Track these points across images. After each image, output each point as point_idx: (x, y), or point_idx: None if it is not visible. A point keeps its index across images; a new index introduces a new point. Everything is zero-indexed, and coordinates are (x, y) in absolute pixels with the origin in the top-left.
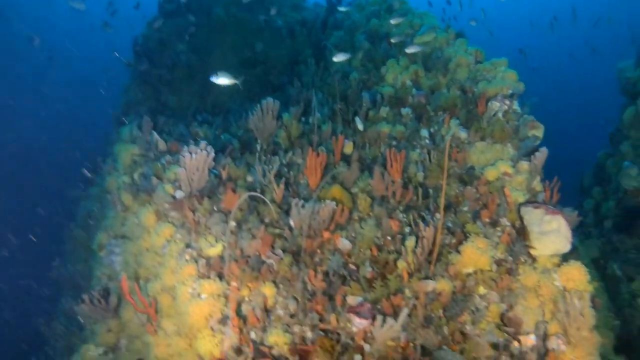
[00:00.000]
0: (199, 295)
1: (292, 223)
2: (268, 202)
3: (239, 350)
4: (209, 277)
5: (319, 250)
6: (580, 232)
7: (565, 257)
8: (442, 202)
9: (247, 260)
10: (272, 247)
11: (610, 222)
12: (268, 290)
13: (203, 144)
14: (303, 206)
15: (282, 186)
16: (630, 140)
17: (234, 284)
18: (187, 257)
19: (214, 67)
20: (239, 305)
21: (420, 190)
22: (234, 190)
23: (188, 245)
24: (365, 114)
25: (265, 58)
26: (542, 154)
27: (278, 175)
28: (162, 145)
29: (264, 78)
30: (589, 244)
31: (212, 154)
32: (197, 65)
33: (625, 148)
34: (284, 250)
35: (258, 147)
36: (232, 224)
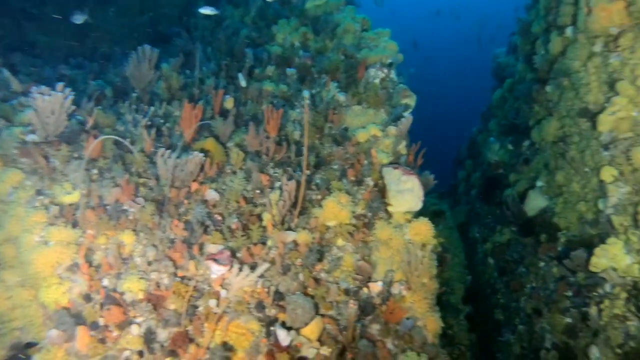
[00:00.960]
0: (46, 243)
1: (159, 173)
2: (132, 150)
3: (87, 297)
4: (59, 225)
5: (185, 201)
6: (452, 199)
7: (416, 214)
8: (305, 159)
9: (105, 208)
10: (135, 195)
11: (475, 190)
12: (127, 238)
13: (60, 85)
14: (169, 157)
15: (153, 136)
16: (496, 118)
17: (90, 231)
18: (37, 204)
19: (93, 10)
20: (92, 252)
21: (294, 148)
22: (97, 138)
23: (39, 192)
24: (248, 71)
25: (154, 5)
26: (406, 120)
27: (151, 126)
28: (16, 85)
29: (152, 27)
30: (458, 210)
31: (70, 97)
32: (73, 5)
33: (492, 125)
34: (147, 200)
35: (134, 96)
36: (94, 171)
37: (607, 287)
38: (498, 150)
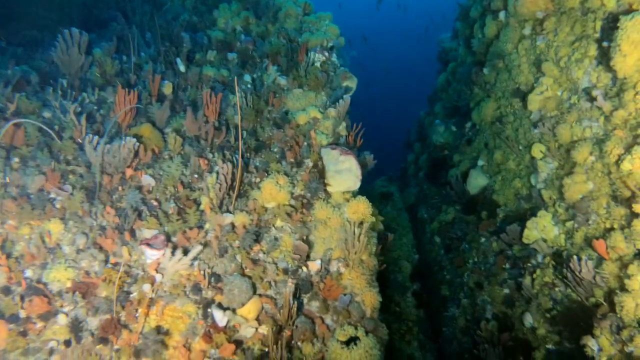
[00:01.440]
0: None
1: (91, 160)
2: (55, 137)
3: (6, 290)
4: None
5: (120, 187)
6: (402, 182)
7: (354, 194)
8: (239, 141)
9: (28, 197)
10: (62, 183)
11: (422, 172)
12: (54, 226)
13: None
14: (99, 143)
15: (84, 123)
16: (441, 101)
17: (11, 222)
18: None
19: None
20: (14, 243)
21: (234, 132)
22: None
23: None
24: (189, 56)
25: None
26: (345, 102)
27: (82, 113)
28: None
29: (87, 11)
30: (407, 192)
31: None
32: None
33: (438, 108)
34: (76, 187)
35: (63, 82)
36: (14, 159)
37: (539, 258)
38: (443, 132)
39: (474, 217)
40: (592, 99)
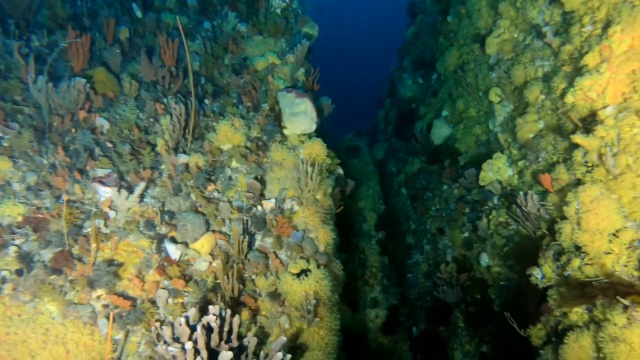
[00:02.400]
0: None
1: (38, 100)
2: None
3: None
4: None
5: (73, 129)
6: (373, 138)
7: (310, 136)
8: (191, 83)
9: None
10: (7, 121)
11: (391, 127)
12: (2, 164)
13: None
14: (47, 83)
15: (32, 64)
16: (410, 55)
17: None
18: None
19: None
20: None
21: (193, 78)
22: None
23: None
24: (149, 3)
25: None
26: (303, 47)
27: (30, 54)
28: None
29: None
30: (377, 147)
31: None
32: None
33: (406, 62)
34: (24, 126)
35: (10, 23)
36: None
37: (495, 200)
38: (410, 85)
39: (438, 166)
40: (544, 37)
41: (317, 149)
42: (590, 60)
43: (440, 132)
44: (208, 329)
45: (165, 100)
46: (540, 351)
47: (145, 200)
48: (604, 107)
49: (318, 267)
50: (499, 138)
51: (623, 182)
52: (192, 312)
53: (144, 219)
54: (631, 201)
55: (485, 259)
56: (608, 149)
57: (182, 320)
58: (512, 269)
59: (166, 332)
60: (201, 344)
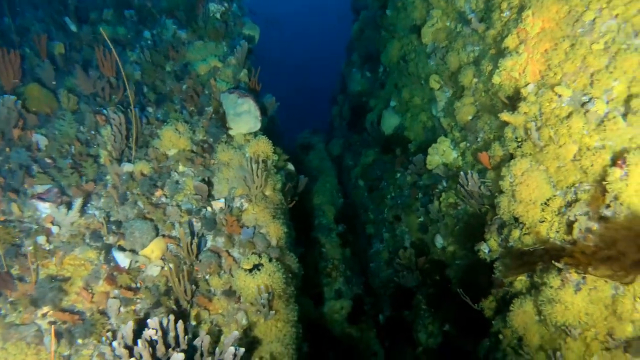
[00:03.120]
0: None
1: None
2: None
3: None
4: None
5: (7, 148)
6: (329, 135)
7: (255, 134)
8: (129, 92)
9: None
10: None
11: (345, 122)
12: None
13: None
14: None
15: None
16: (357, 50)
17: None
18: None
19: None
20: None
21: (135, 88)
22: None
23: None
24: (78, 15)
25: None
26: (242, 49)
27: None
28: None
29: None
30: (333, 142)
31: None
32: None
33: (354, 57)
34: None
35: None
36: None
37: (444, 182)
38: (359, 79)
39: (390, 156)
40: (470, 23)
41: (263, 146)
42: (510, 42)
43: (390, 122)
44: (151, 342)
45: (104, 111)
46: (493, 322)
47: (90, 212)
48: (526, 85)
49: (270, 260)
50: (442, 123)
51: (548, 153)
52: (127, 330)
53: (90, 230)
54: (557, 171)
55: (439, 241)
56: (532, 124)
57: (116, 343)
58: (464, 247)
59: (107, 351)
60: (147, 358)
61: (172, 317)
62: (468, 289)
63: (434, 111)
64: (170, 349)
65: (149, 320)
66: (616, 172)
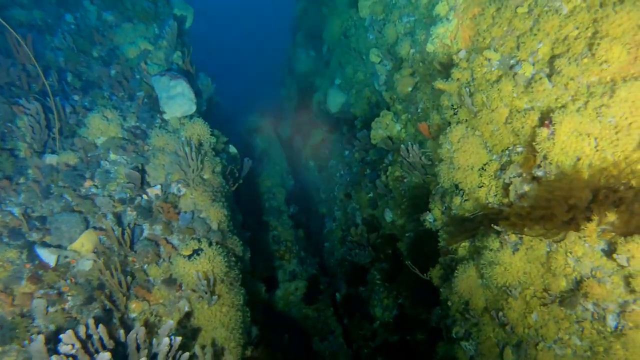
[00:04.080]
0: None
1: None
2: None
3: None
4: None
5: None
6: (278, 117)
7: (191, 117)
8: (43, 79)
9: None
10: None
11: (294, 103)
12: None
13: None
14: None
15: None
16: (301, 30)
17: None
18: None
19: None
20: None
21: (57, 75)
22: None
23: None
24: None
25: None
26: (171, 29)
27: None
28: None
29: None
30: (283, 125)
31: None
32: None
33: (299, 38)
34: None
35: None
36: None
37: (389, 156)
38: (305, 59)
39: (338, 134)
40: None
41: (199, 129)
42: (440, 9)
43: (335, 100)
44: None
45: (21, 101)
46: (440, 290)
47: (8, 208)
48: (458, 52)
49: (210, 245)
50: (385, 96)
51: (482, 118)
52: (38, 346)
53: (8, 228)
54: (491, 135)
55: (389, 215)
56: (465, 90)
57: None
58: (412, 218)
59: None
60: None
61: (91, 321)
62: (418, 260)
63: (376, 85)
64: (96, 354)
65: (62, 335)
66: (544, 132)
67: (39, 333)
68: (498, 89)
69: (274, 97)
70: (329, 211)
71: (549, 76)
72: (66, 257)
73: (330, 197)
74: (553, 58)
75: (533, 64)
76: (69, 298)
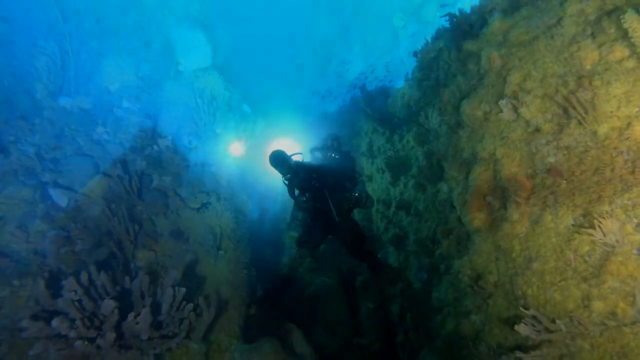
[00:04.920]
0: None
1: None
2: None
3: None
4: None
5: None
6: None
7: (206, 70)
8: None
9: None
10: None
11: None
12: None
13: None
14: None
15: None
16: None
17: None
18: None
19: None
20: None
21: (75, 19)
22: None
23: None
24: None
25: None
26: None
27: None
28: None
29: None
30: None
31: None
32: None
33: None
34: None
35: None
36: None
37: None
38: None
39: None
40: None
41: (213, 82)
42: None
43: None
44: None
45: (40, 42)
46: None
47: (24, 147)
48: None
49: (219, 200)
50: None
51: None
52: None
53: (24, 167)
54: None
55: None
56: None
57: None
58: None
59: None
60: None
61: (93, 268)
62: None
63: None
64: (100, 300)
65: (64, 282)
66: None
67: (50, 272)
68: None
69: None
70: None
71: None
72: (76, 200)
73: None
74: None
75: None
76: (79, 242)
